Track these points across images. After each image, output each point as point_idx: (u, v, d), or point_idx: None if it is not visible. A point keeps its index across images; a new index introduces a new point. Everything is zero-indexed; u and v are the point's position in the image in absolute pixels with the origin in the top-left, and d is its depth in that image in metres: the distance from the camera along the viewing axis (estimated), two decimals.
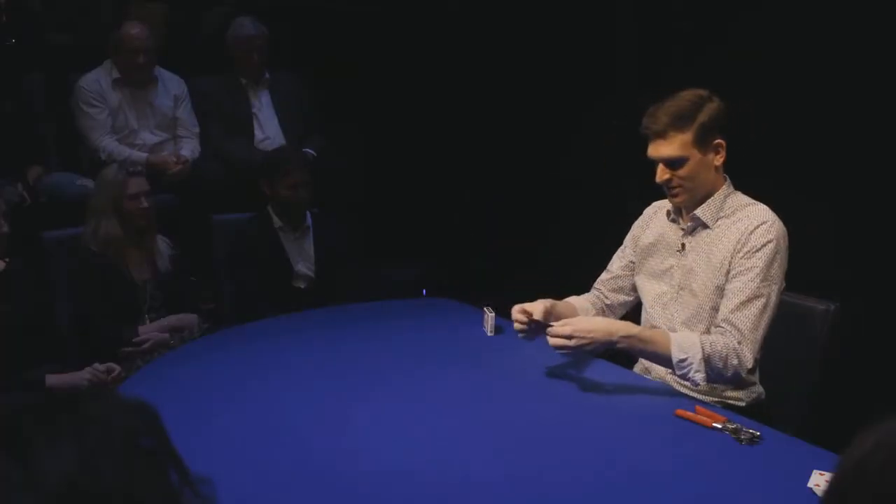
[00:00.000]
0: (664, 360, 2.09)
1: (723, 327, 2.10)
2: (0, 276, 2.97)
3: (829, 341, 2.32)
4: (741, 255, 2.13)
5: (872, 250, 3.20)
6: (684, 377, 2.08)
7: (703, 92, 2.17)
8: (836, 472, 0.78)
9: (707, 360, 2.04)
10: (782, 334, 2.32)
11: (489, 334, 2.57)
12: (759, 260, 2.10)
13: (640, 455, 1.82)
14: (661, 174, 2.18)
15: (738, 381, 2.14)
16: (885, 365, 3.08)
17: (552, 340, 2.08)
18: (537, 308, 2.19)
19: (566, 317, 2.25)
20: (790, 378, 2.34)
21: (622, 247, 2.47)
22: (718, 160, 2.18)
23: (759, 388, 2.27)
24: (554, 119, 4.38)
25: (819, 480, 1.62)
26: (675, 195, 2.21)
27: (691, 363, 2.04)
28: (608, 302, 2.46)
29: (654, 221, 2.39)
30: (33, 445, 0.73)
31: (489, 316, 2.57)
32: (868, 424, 0.78)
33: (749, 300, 2.09)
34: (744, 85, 3.57)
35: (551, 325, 2.11)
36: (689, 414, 1.96)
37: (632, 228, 2.46)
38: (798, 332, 2.34)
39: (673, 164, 2.15)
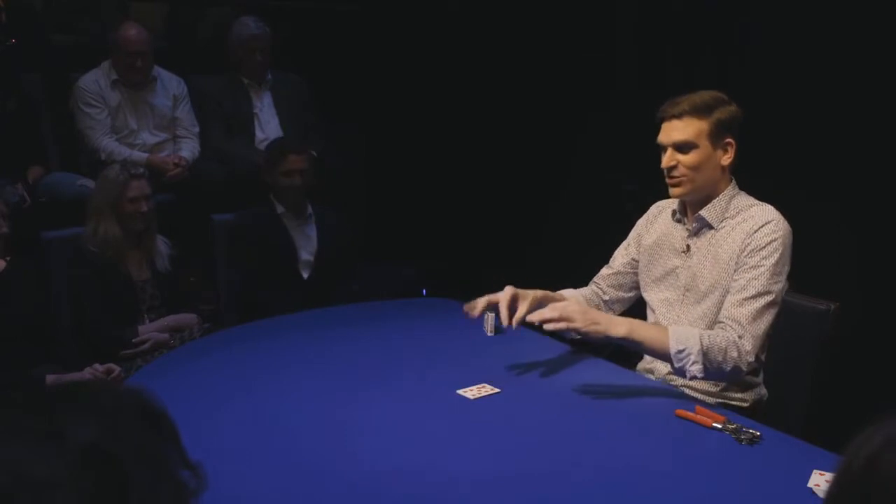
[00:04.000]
0: (662, 352, 2.06)
1: (723, 322, 2.10)
2: (0, 276, 2.97)
3: (829, 341, 2.32)
4: (746, 253, 2.12)
5: (872, 250, 3.20)
6: (682, 370, 2.05)
7: (724, 95, 2.21)
8: (842, 470, 0.78)
9: (705, 353, 2.02)
10: (782, 334, 2.32)
11: (489, 334, 2.56)
12: (765, 259, 2.10)
13: (640, 455, 1.82)
14: (669, 159, 2.18)
15: (737, 377, 2.12)
16: (885, 365, 3.08)
17: (551, 316, 2.03)
18: (505, 296, 2.18)
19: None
20: (790, 378, 2.34)
21: (626, 243, 2.46)
22: (726, 160, 2.19)
23: (762, 390, 2.27)
24: (554, 119, 4.38)
25: (819, 480, 1.62)
26: (677, 184, 2.20)
27: (689, 353, 2.02)
28: (606, 298, 2.45)
29: (658, 221, 2.39)
30: (58, 412, 0.76)
31: (489, 316, 2.56)
32: (869, 422, 0.78)
33: (753, 297, 2.08)
34: (744, 84, 3.57)
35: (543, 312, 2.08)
36: (689, 414, 1.96)
37: (636, 226, 2.45)
38: (798, 332, 2.34)
39: (682, 147, 2.16)
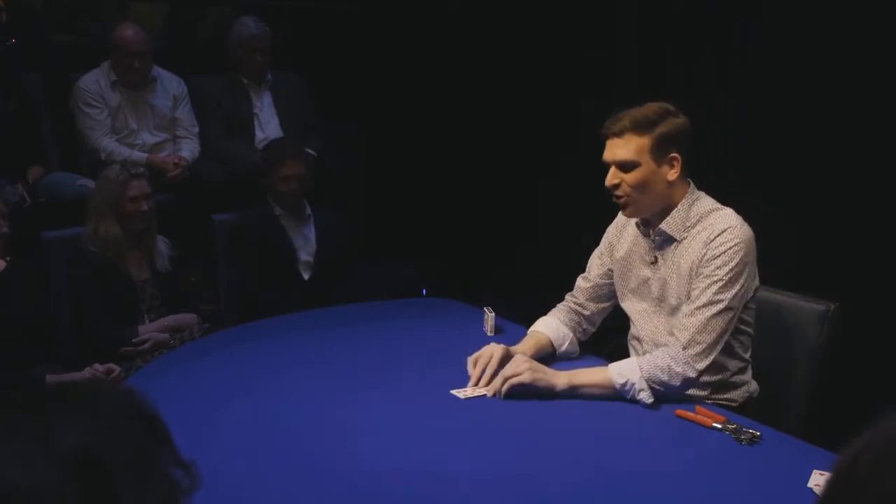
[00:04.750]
0: (609, 391, 2.06)
1: (672, 334, 2.10)
2: (0, 276, 2.97)
3: (828, 341, 2.32)
4: (702, 262, 2.10)
5: (872, 250, 3.20)
6: (634, 400, 2.05)
7: (670, 106, 2.16)
8: (833, 471, 0.79)
9: (649, 378, 2.02)
10: (782, 334, 2.32)
11: (489, 334, 2.56)
12: (719, 268, 2.07)
13: (640, 455, 1.82)
14: (611, 178, 2.14)
15: (691, 386, 2.10)
16: (884, 365, 3.08)
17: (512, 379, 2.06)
18: (496, 355, 2.17)
19: (543, 354, 2.30)
20: (790, 378, 2.34)
21: (599, 252, 2.41)
22: (672, 175, 2.13)
23: (751, 387, 2.27)
24: (554, 119, 4.38)
25: (819, 480, 1.62)
26: (623, 205, 2.17)
27: (633, 384, 2.03)
28: (586, 313, 2.41)
29: (627, 230, 2.34)
30: (50, 413, 0.76)
31: (489, 316, 2.57)
32: (866, 425, 0.78)
33: (704, 306, 2.07)
34: (744, 84, 3.58)
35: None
36: (689, 414, 1.96)
37: (607, 233, 2.41)
38: (798, 332, 2.34)
39: (624, 166, 2.12)
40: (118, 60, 4.05)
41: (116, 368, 2.94)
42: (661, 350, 2.08)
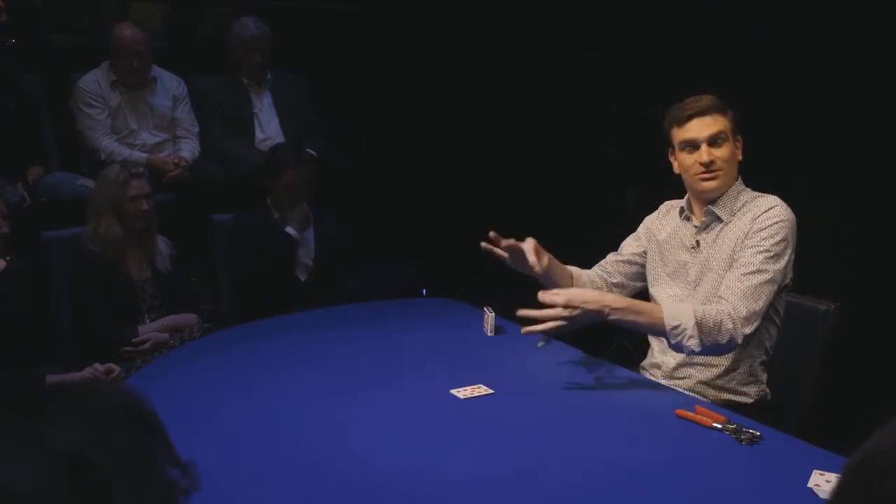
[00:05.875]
0: (657, 329, 2.08)
1: (720, 296, 2.11)
2: (0, 276, 2.97)
3: (829, 341, 2.32)
4: (749, 235, 2.16)
5: (872, 250, 3.20)
6: (679, 346, 2.06)
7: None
8: (843, 472, 0.79)
9: (699, 325, 2.03)
10: (783, 334, 2.32)
11: (489, 334, 2.57)
12: (765, 239, 2.12)
13: (640, 455, 1.82)
14: (707, 154, 2.20)
15: (732, 348, 2.12)
16: (885, 365, 3.08)
17: (546, 312, 2.07)
18: (528, 247, 2.31)
19: (560, 277, 2.36)
20: (790, 378, 2.34)
21: (636, 235, 2.46)
22: (739, 156, 2.25)
23: (766, 388, 2.28)
24: (554, 119, 4.38)
25: (819, 480, 1.62)
26: (714, 178, 2.21)
27: (685, 329, 2.03)
28: (614, 281, 2.44)
29: (667, 218, 2.40)
30: (45, 413, 0.75)
31: (489, 316, 2.57)
32: (868, 425, 0.78)
33: (750, 273, 2.10)
34: (744, 84, 3.58)
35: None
36: (689, 414, 1.96)
37: (644, 221, 2.46)
38: (798, 332, 2.34)
39: (716, 140, 2.20)
40: (117, 60, 4.05)
41: (116, 368, 2.94)
42: (713, 305, 2.08)
